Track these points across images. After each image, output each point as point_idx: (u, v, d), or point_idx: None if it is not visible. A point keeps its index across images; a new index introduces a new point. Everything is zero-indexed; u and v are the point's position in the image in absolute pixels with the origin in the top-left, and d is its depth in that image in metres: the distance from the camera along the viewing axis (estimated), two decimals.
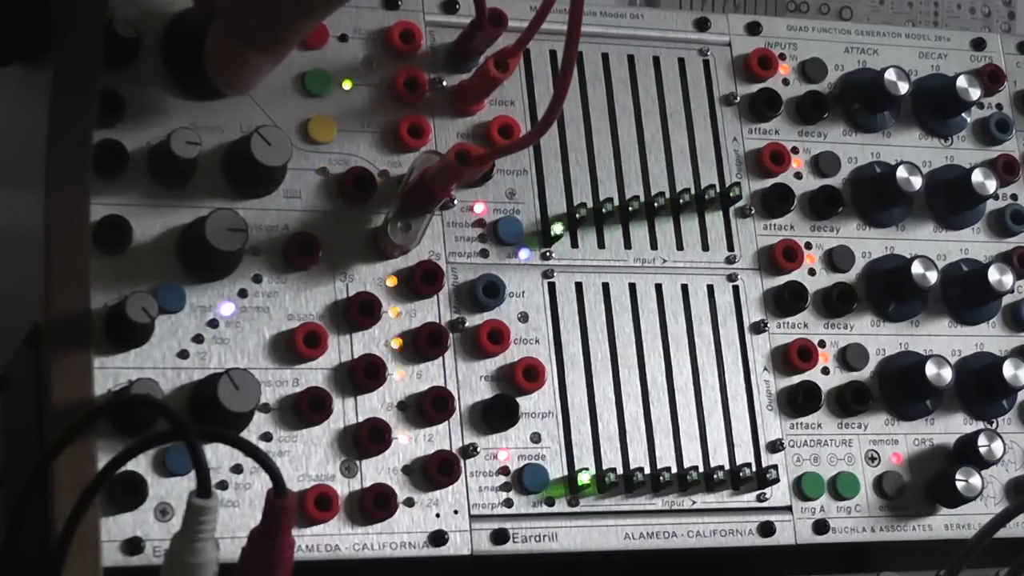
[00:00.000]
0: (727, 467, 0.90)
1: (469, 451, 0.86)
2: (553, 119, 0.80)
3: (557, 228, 0.90)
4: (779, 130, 0.97)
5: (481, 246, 0.89)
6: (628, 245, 0.92)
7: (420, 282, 0.86)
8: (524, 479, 0.86)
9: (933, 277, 0.95)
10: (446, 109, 0.90)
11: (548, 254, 0.90)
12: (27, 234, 0.83)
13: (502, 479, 0.86)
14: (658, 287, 0.92)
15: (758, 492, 0.91)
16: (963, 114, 1.01)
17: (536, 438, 0.87)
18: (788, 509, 0.91)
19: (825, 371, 0.94)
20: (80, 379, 0.79)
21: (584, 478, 0.87)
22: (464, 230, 0.89)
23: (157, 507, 0.79)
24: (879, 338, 0.96)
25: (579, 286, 0.91)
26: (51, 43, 0.83)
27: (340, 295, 0.85)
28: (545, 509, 0.87)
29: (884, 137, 0.99)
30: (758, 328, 0.93)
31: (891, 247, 0.98)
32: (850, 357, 0.95)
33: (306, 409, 0.82)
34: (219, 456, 0.81)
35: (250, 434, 0.82)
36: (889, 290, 0.96)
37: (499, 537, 0.85)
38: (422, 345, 0.86)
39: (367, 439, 0.83)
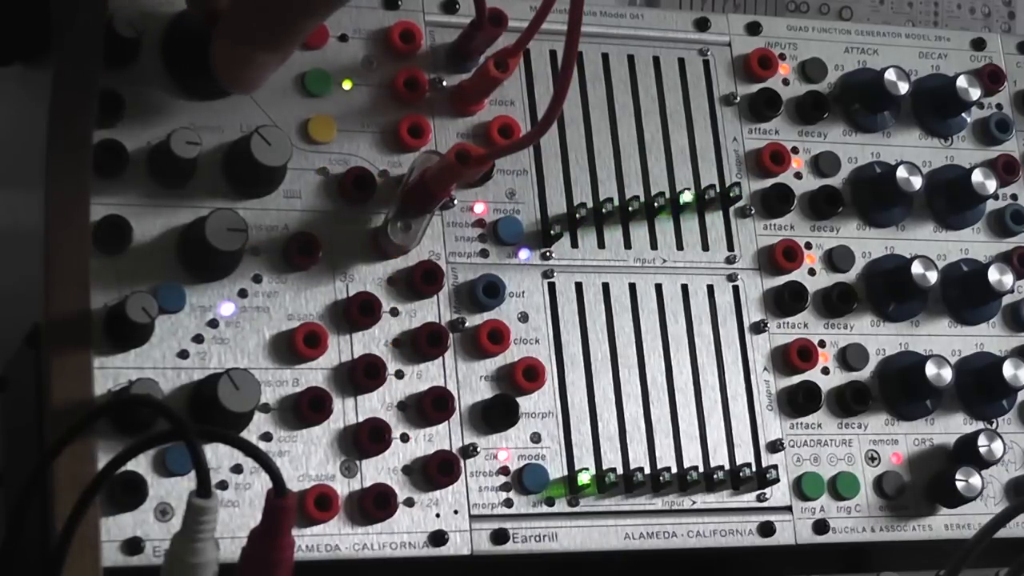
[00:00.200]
0: (727, 467, 0.90)
1: (469, 451, 0.86)
2: (553, 119, 0.80)
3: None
4: (779, 130, 0.97)
5: (481, 246, 0.89)
6: (628, 245, 0.92)
7: (420, 282, 0.86)
8: (524, 479, 0.86)
9: (933, 277, 0.95)
10: (446, 109, 0.90)
11: (548, 254, 0.90)
12: (27, 234, 0.83)
13: (502, 479, 0.86)
14: (658, 287, 0.92)
15: (758, 492, 0.91)
16: (963, 114, 1.01)
17: (536, 438, 0.87)
18: (788, 509, 0.91)
19: (825, 371, 0.94)
20: (80, 379, 0.79)
21: (584, 478, 0.87)
22: (464, 230, 0.89)
23: (157, 507, 0.79)
24: (879, 338, 0.96)
25: (579, 286, 0.91)
26: (51, 43, 0.83)
27: (340, 295, 0.85)
28: (545, 509, 0.87)
29: (884, 137, 0.99)
30: (758, 328, 0.93)
31: (891, 247, 0.98)
32: (850, 357, 0.95)
33: (306, 409, 0.82)
34: (219, 456, 0.81)
35: (250, 434, 0.82)
36: (889, 290, 0.96)
37: (499, 537, 0.85)
38: (422, 345, 0.86)
39: (367, 439, 0.83)
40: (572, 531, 0.87)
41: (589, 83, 0.94)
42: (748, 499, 0.90)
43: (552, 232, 0.90)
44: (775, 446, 0.92)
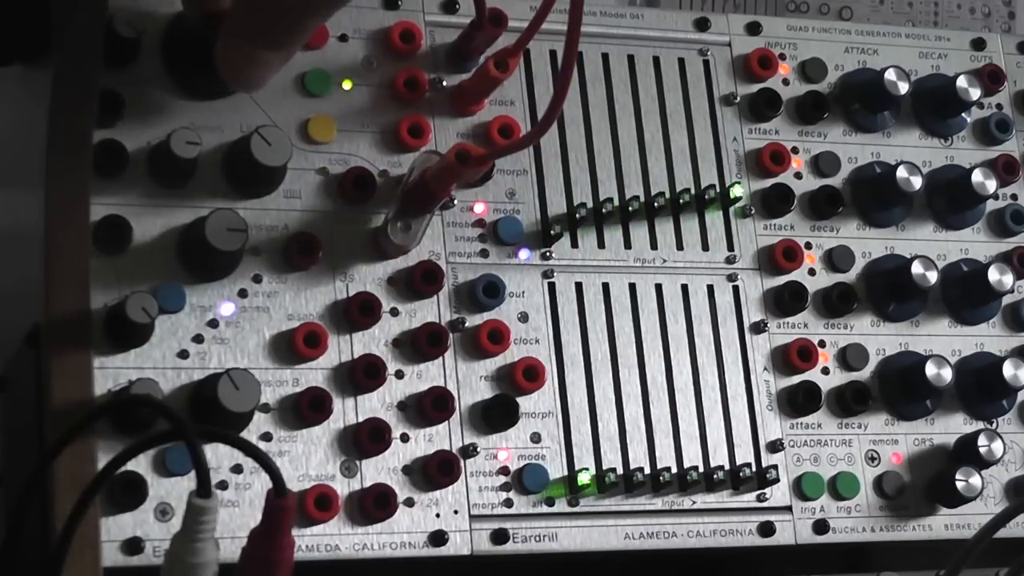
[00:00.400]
0: (727, 467, 0.90)
1: (469, 451, 0.86)
2: (553, 119, 0.80)
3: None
4: (779, 130, 0.97)
5: (481, 246, 0.89)
6: (628, 245, 0.92)
7: (420, 282, 0.86)
8: (524, 479, 0.86)
9: (933, 277, 0.95)
10: (446, 109, 0.90)
11: (548, 254, 0.90)
12: (27, 234, 0.83)
13: (502, 479, 0.86)
14: (658, 287, 0.92)
15: (758, 492, 0.91)
16: (963, 114, 1.01)
17: (536, 438, 0.87)
18: (788, 509, 0.91)
19: (825, 371, 0.94)
20: (80, 379, 0.79)
21: (584, 478, 0.87)
22: (464, 230, 0.89)
23: (157, 507, 0.79)
24: (879, 338, 0.96)
25: (579, 286, 0.91)
26: (51, 43, 0.83)
27: (340, 295, 0.85)
28: (545, 509, 0.87)
29: (884, 137, 0.99)
30: (758, 328, 0.93)
31: (891, 247, 0.98)
32: (850, 357, 0.95)
33: (306, 409, 0.82)
34: (219, 456, 0.81)
35: (250, 434, 0.82)
36: (889, 290, 0.96)
37: (499, 537, 0.85)
38: (422, 345, 0.86)
39: (367, 439, 0.83)
40: (572, 531, 0.87)
41: (589, 83, 0.94)
42: (748, 499, 0.90)
43: (552, 232, 0.90)
44: (775, 446, 0.92)
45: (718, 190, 0.94)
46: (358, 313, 0.85)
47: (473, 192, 0.90)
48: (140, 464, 0.79)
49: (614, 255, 0.92)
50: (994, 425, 0.97)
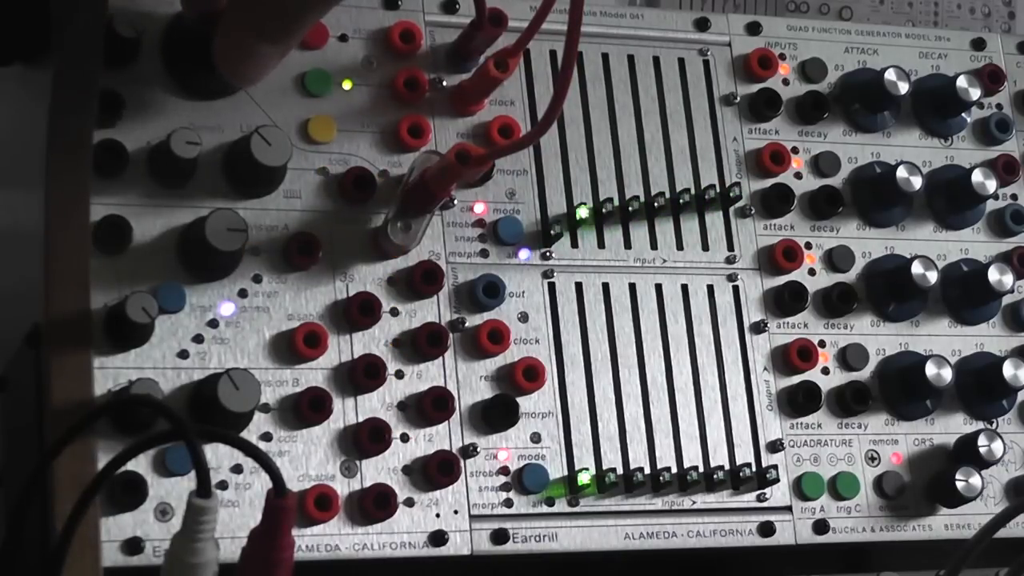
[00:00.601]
0: (727, 467, 0.90)
1: (469, 451, 0.86)
2: (553, 119, 0.80)
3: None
4: (779, 130, 0.97)
5: (481, 246, 0.89)
6: (628, 245, 0.92)
7: (420, 282, 0.86)
8: (524, 479, 0.86)
9: (933, 277, 0.95)
10: (446, 109, 0.90)
11: (548, 254, 0.90)
12: (27, 234, 0.83)
13: (502, 479, 0.86)
14: (658, 287, 0.92)
15: (758, 492, 0.91)
16: (963, 114, 1.01)
17: (536, 438, 0.87)
18: (788, 509, 0.91)
19: (825, 371, 0.94)
20: (80, 379, 0.79)
21: (584, 478, 0.87)
22: (464, 230, 0.89)
23: (157, 507, 0.79)
24: (879, 338, 0.96)
25: (579, 286, 0.91)
26: (51, 43, 0.83)
27: (340, 295, 0.85)
28: (545, 509, 0.87)
29: (884, 137, 0.99)
30: (758, 328, 0.93)
31: (891, 247, 0.98)
32: (850, 357, 0.95)
33: (306, 409, 0.82)
34: (219, 456, 0.81)
35: (250, 434, 0.82)
36: (889, 290, 0.96)
37: (499, 537, 0.85)
38: (422, 345, 0.86)
39: (367, 439, 0.83)
40: (572, 531, 0.87)
41: (589, 83, 0.94)
42: (748, 499, 0.90)
43: (552, 232, 0.90)
44: (775, 446, 0.92)
45: (718, 190, 0.94)
46: (358, 313, 0.85)
47: (473, 192, 0.90)
48: (140, 464, 0.79)
49: (614, 255, 0.92)
50: (994, 425, 0.97)
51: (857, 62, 1.00)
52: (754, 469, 0.91)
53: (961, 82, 0.99)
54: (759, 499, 0.91)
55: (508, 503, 0.86)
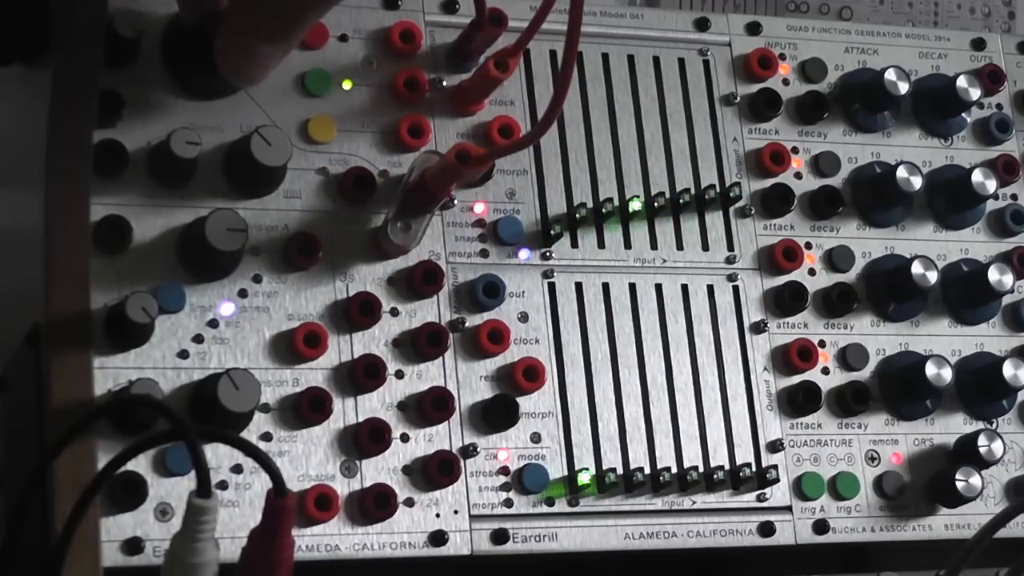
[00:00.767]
0: (727, 467, 0.90)
1: (469, 451, 0.86)
2: (553, 119, 0.80)
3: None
4: (779, 130, 0.97)
5: (481, 246, 0.89)
6: (628, 245, 0.92)
7: (420, 282, 0.86)
8: (524, 479, 0.86)
9: (933, 277, 0.95)
10: (446, 109, 0.90)
11: (548, 254, 0.90)
12: (27, 234, 0.83)
13: (502, 479, 0.86)
14: (658, 287, 0.92)
15: (758, 492, 0.91)
16: (963, 114, 1.01)
17: (536, 438, 0.87)
18: (788, 509, 0.91)
19: (825, 371, 0.94)
20: (80, 379, 0.79)
21: (584, 478, 0.87)
22: (464, 230, 0.89)
23: (157, 507, 0.79)
24: (879, 338, 0.96)
25: (579, 286, 0.91)
26: (51, 43, 0.83)
27: (340, 295, 0.85)
28: (545, 509, 0.87)
29: (884, 137, 0.99)
30: (758, 328, 0.93)
31: (891, 247, 0.98)
32: (850, 357, 0.95)
33: (306, 409, 0.82)
34: (219, 456, 0.81)
35: (250, 434, 0.82)
36: (889, 290, 0.96)
37: (499, 537, 0.85)
38: (422, 345, 0.86)
39: (367, 439, 0.83)
40: (572, 531, 0.87)
41: (589, 83, 0.94)
42: (748, 499, 0.90)
43: (552, 232, 0.90)
44: (775, 446, 0.92)
45: (718, 190, 0.94)
46: (358, 313, 0.85)
47: (473, 192, 0.90)
48: (140, 464, 0.79)
49: (614, 255, 0.92)
50: (994, 425, 0.97)
51: (857, 62, 1.00)
52: (754, 469, 0.91)
53: (961, 82, 0.99)
54: (759, 499, 0.91)
55: (508, 503, 0.86)
